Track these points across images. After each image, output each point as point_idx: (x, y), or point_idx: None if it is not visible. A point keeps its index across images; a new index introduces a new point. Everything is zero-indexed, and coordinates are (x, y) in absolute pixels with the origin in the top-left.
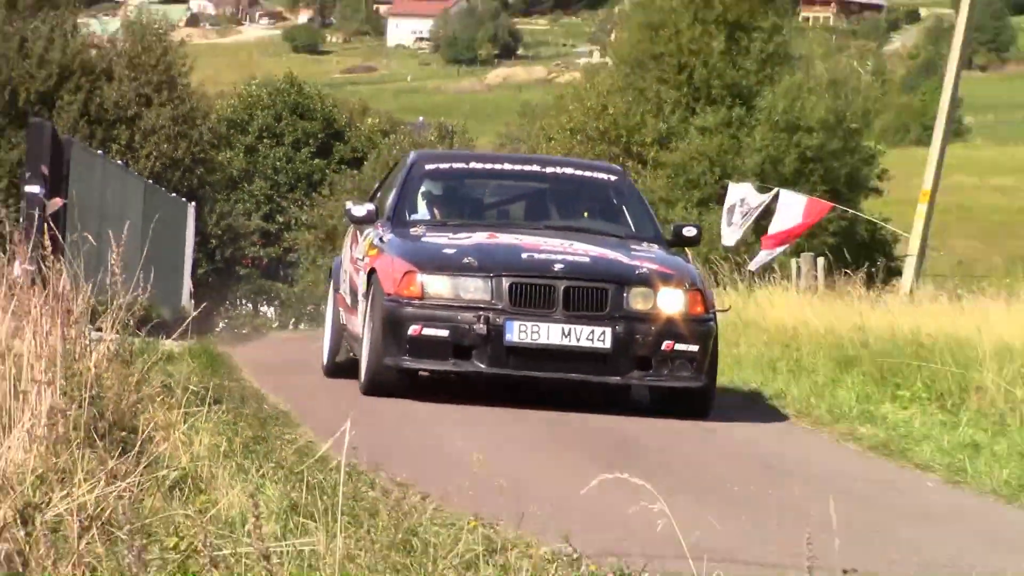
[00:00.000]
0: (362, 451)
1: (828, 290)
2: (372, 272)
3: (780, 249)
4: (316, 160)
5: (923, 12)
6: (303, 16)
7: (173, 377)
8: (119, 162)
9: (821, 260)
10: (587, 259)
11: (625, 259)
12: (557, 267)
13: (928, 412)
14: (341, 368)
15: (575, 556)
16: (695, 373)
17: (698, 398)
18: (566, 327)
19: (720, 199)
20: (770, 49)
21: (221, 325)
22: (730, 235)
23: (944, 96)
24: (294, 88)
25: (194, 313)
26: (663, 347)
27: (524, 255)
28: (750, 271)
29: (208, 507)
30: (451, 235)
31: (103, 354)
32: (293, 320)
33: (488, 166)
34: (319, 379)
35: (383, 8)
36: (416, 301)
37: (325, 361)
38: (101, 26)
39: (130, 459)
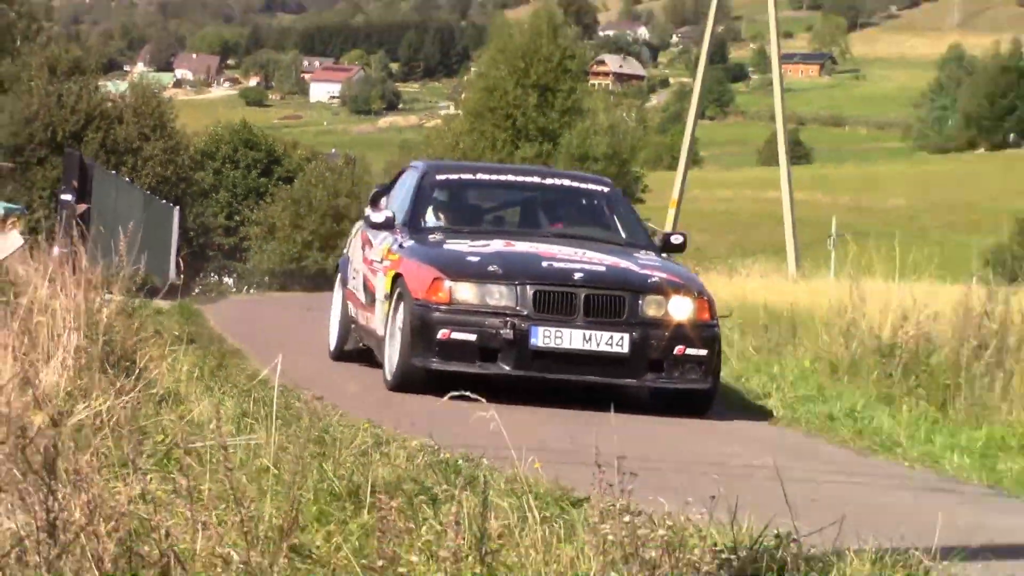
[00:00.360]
0: (291, 376)
1: None
2: (398, 276)
3: None
4: (262, 178)
5: (671, 80)
6: (253, 81)
7: (162, 325)
8: (126, 179)
9: None
10: (603, 268)
11: (636, 268)
12: (577, 276)
13: None
14: (347, 354)
15: (436, 447)
16: (703, 376)
17: (703, 399)
18: (587, 332)
19: None
20: (568, 104)
21: (196, 291)
22: None
23: (685, 137)
24: (246, 129)
25: (174, 278)
26: (675, 351)
27: (544, 264)
28: None
29: (185, 414)
30: (470, 243)
31: (113, 309)
32: (246, 287)
33: (494, 177)
34: (258, 323)
35: (307, 76)
36: (444, 306)
37: (332, 348)
38: (114, 87)
39: (131, 381)
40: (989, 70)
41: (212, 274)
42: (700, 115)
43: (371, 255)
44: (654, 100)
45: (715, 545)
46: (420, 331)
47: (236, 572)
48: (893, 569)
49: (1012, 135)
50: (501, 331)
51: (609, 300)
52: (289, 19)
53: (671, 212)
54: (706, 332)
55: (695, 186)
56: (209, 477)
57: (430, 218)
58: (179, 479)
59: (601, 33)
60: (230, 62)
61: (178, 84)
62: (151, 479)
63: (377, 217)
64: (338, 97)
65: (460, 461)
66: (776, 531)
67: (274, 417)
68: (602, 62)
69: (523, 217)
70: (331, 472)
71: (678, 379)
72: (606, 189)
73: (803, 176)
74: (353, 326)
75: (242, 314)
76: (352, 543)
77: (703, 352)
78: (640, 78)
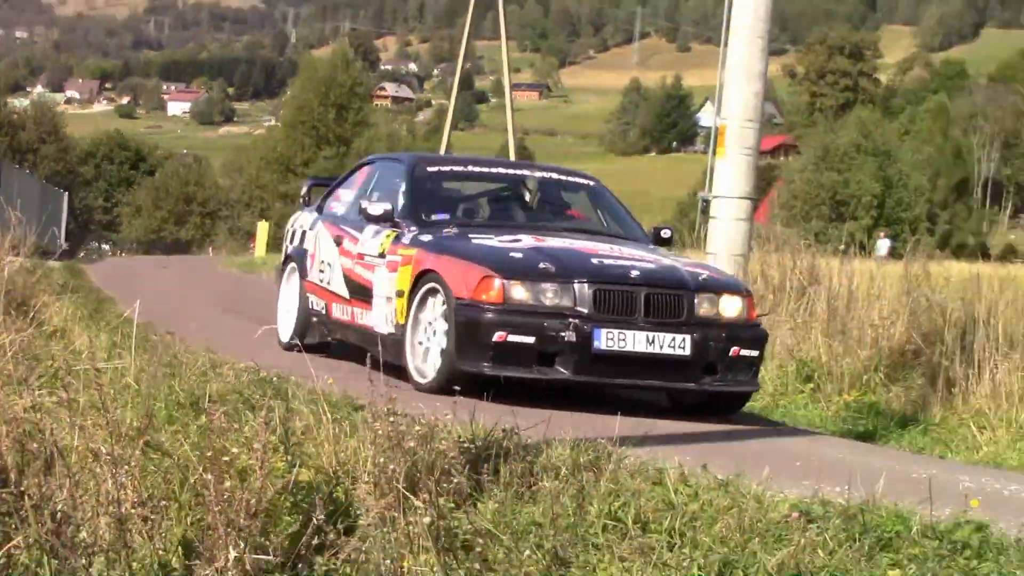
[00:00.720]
0: (148, 317)
1: None
2: (426, 272)
3: None
4: (131, 171)
5: (433, 102)
6: (125, 100)
7: (53, 279)
8: (28, 171)
9: None
10: (654, 266)
11: (680, 265)
12: (634, 274)
13: None
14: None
15: (256, 368)
16: (752, 377)
17: (741, 400)
18: (650, 334)
19: None
20: (358, 118)
21: (80, 255)
22: None
23: (443, 143)
24: (119, 135)
25: (62, 245)
26: (731, 353)
27: (595, 261)
28: None
29: (68, 345)
30: (497, 237)
31: (16, 268)
32: (118, 252)
33: (484, 169)
34: (127, 278)
35: (166, 96)
36: (497, 307)
37: (286, 339)
38: (19, 103)
39: (27, 321)
40: (658, 97)
41: (92, 242)
42: (454, 127)
43: (360, 249)
44: (421, 116)
45: (459, 437)
46: (469, 333)
47: (104, 462)
48: (585, 452)
49: (674, 143)
50: (563, 333)
51: (669, 299)
52: (152, 54)
53: None
54: (756, 332)
55: None
56: (85, 391)
57: (430, 211)
58: (62, 393)
59: (382, 67)
60: (108, 85)
61: (68, 102)
62: (40, 394)
63: (375, 210)
64: (188, 112)
65: (274, 379)
66: (503, 427)
67: (135, 347)
68: (383, 88)
69: (521, 210)
70: (178, 387)
71: (730, 381)
72: (592, 183)
73: None
74: (315, 319)
75: (115, 271)
76: (192, 439)
77: (755, 353)
78: (410, 100)
